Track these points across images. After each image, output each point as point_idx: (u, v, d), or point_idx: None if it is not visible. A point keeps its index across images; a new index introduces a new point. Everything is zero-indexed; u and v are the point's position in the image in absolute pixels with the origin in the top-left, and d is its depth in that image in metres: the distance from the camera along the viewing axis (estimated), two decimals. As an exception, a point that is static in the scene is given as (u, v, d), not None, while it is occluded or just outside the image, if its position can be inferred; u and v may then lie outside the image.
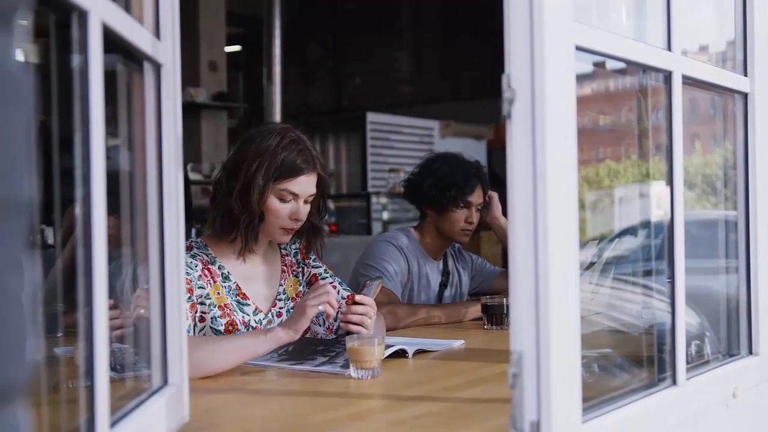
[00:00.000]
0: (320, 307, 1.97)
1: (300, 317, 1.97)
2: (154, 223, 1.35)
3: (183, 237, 1.41)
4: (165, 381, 1.36)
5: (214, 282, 2.18)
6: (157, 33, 1.34)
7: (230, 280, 2.21)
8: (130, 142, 1.37)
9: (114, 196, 1.20)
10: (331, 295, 1.99)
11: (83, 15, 0.99)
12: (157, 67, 1.34)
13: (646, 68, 1.54)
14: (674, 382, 1.50)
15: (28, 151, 0.59)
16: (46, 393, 1.17)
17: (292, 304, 2.32)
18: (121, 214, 1.33)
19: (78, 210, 1.01)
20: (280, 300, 2.32)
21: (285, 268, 2.37)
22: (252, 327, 2.21)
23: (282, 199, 2.18)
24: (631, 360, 1.70)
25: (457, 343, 2.33)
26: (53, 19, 1.01)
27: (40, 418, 1.09)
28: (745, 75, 1.79)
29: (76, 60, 1.01)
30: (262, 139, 2.18)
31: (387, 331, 2.62)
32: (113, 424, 1.09)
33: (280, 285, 2.33)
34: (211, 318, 2.14)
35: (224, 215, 2.19)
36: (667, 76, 1.51)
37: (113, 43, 1.11)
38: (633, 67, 1.57)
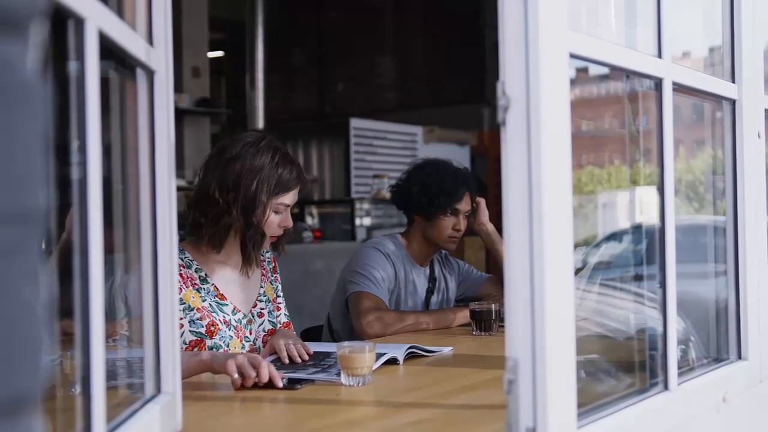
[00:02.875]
0: (236, 375, 1.81)
1: (223, 363, 1.83)
2: (147, 230, 1.35)
3: (176, 245, 1.40)
4: (158, 389, 1.35)
5: (188, 287, 2.22)
6: (150, 40, 1.34)
7: (208, 282, 2.26)
8: (123, 148, 1.37)
9: (105, 203, 1.19)
10: (257, 373, 1.82)
11: (80, 22, 0.99)
12: (150, 74, 1.33)
13: (637, 75, 1.55)
14: (666, 387, 1.51)
15: (43, 161, 0.58)
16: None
17: (272, 306, 2.41)
18: (113, 221, 1.32)
19: (74, 217, 1.01)
20: (261, 301, 2.39)
21: (264, 271, 2.44)
22: (233, 326, 2.26)
23: (277, 212, 2.27)
24: (622, 365, 1.71)
25: (447, 350, 2.33)
26: (48, 25, 1.00)
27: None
28: (733, 82, 1.80)
29: (72, 66, 1.01)
30: (254, 157, 2.23)
31: (375, 338, 2.62)
32: (109, 433, 1.08)
33: (261, 287, 2.40)
34: (190, 321, 2.18)
35: (223, 230, 2.23)
36: (658, 83, 1.52)
37: (107, 49, 1.10)
38: (623, 73, 1.58)
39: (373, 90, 9.75)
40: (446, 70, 9.30)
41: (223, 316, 2.24)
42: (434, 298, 3.12)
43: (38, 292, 0.57)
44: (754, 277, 1.82)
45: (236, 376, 1.80)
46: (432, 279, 3.13)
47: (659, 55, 1.51)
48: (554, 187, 1.17)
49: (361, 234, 7.25)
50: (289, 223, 2.31)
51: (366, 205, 7.49)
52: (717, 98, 1.81)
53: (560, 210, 1.19)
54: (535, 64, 1.16)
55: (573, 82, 1.46)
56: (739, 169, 1.81)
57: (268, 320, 2.38)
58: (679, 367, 1.55)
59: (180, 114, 7.35)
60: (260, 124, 8.35)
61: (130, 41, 1.20)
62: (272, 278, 2.47)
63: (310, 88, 10.33)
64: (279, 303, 2.49)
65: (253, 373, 1.80)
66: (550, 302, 1.16)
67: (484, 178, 7.34)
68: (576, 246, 2.23)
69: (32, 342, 0.56)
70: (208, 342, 2.18)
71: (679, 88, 1.58)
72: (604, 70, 1.55)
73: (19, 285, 0.55)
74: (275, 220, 2.27)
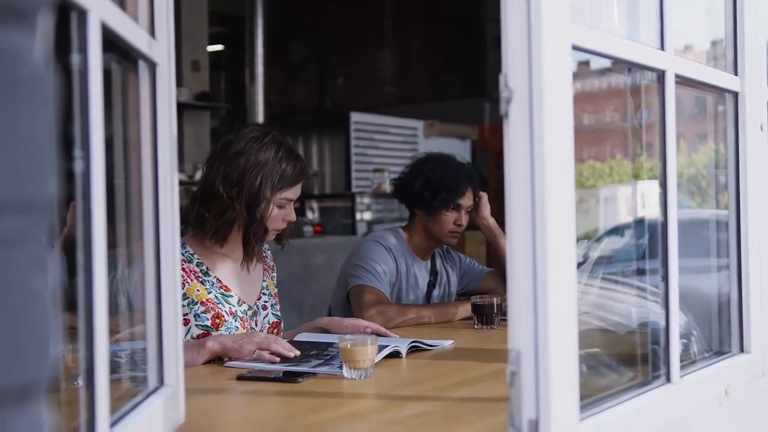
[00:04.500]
0: (256, 353, 2.03)
1: (237, 344, 2.05)
2: (149, 223, 1.34)
3: (178, 238, 1.40)
4: (161, 382, 1.35)
5: (192, 280, 2.23)
6: (152, 32, 1.33)
7: (210, 275, 2.28)
8: (125, 142, 1.36)
9: (107, 196, 1.19)
10: (275, 346, 2.05)
11: (83, 14, 0.98)
12: (152, 67, 1.33)
13: (640, 67, 1.54)
14: (668, 379, 1.51)
15: (52, 150, 0.59)
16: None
17: (274, 300, 2.44)
18: (115, 215, 1.32)
19: (77, 211, 1.01)
20: (264, 294, 2.41)
21: (265, 266, 2.47)
22: (239, 317, 2.28)
23: (280, 206, 2.29)
24: (624, 359, 1.71)
25: (448, 343, 2.33)
26: (55, 16, 1.00)
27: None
28: (736, 74, 1.80)
29: (75, 59, 1.00)
30: (258, 152, 2.24)
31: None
32: (112, 424, 1.08)
33: (263, 281, 2.43)
34: (195, 315, 2.20)
35: (227, 224, 2.25)
36: (660, 76, 1.51)
37: (109, 41, 1.10)
38: (627, 66, 1.58)
39: (373, 84, 9.74)
40: (447, 64, 9.30)
41: (229, 308, 2.26)
42: (436, 292, 3.12)
43: (46, 280, 0.57)
44: (756, 270, 1.82)
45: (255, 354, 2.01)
46: (434, 273, 3.13)
47: (662, 47, 1.51)
48: (557, 180, 1.17)
49: (361, 228, 7.25)
50: (292, 217, 2.34)
51: (366, 200, 7.50)
52: (720, 91, 1.81)
53: (563, 202, 1.19)
54: (537, 57, 1.15)
55: (574, 76, 1.46)
56: (742, 163, 1.81)
57: (272, 313, 2.41)
58: (681, 361, 1.56)
59: (179, 108, 7.32)
60: (260, 118, 8.35)
61: (133, 33, 1.20)
62: (272, 275, 2.50)
63: (310, 82, 10.32)
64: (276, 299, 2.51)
65: (279, 348, 2.01)
66: (552, 294, 1.16)
67: (485, 173, 7.34)
68: (577, 240, 2.23)
69: (40, 331, 0.56)
70: (214, 334, 2.19)
71: (681, 81, 1.58)
72: (606, 63, 1.55)
73: (27, 273, 0.55)
74: (279, 215, 2.29)
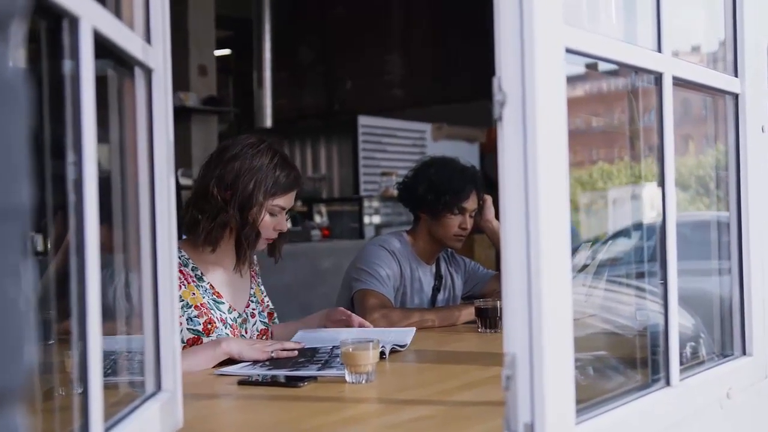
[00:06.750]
0: (275, 353, 2.13)
1: (253, 348, 2.11)
2: (146, 229, 1.35)
3: (175, 243, 1.40)
4: (158, 387, 1.36)
5: (188, 284, 2.26)
6: (147, 38, 1.34)
7: (204, 281, 2.30)
8: (121, 148, 1.37)
9: (105, 203, 1.19)
10: (287, 345, 2.19)
11: (74, 21, 0.99)
12: (148, 73, 1.34)
13: (636, 70, 1.54)
14: (668, 382, 1.50)
15: (26, 158, 0.59)
16: (39, 400, 1.17)
17: (261, 308, 2.46)
18: (112, 221, 1.33)
19: (70, 217, 1.01)
20: (252, 302, 2.44)
21: (253, 274, 2.49)
22: (229, 324, 2.31)
23: (272, 213, 2.31)
24: (625, 361, 1.70)
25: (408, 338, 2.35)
26: (43, 24, 1.01)
27: (33, 424, 1.08)
28: (736, 76, 1.79)
29: (67, 66, 1.01)
30: (253, 157, 2.28)
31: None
32: (107, 429, 1.09)
33: (251, 288, 2.45)
34: (188, 319, 2.22)
35: (219, 227, 2.27)
36: (658, 78, 1.51)
37: (104, 48, 1.11)
38: (623, 68, 1.58)
39: (381, 87, 9.73)
40: (454, 66, 9.28)
41: (220, 314, 2.29)
42: (441, 296, 3.11)
43: (20, 287, 0.57)
44: (758, 271, 1.81)
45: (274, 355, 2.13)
46: (438, 277, 3.12)
47: (659, 50, 1.50)
48: (550, 183, 1.17)
49: (369, 232, 7.25)
50: (284, 226, 2.36)
51: (374, 203, 7.50)
52: (720, 92, 1.81)
53: (557, 205, 1.19)
54: (530, 60, 1.16)
55: (583, 78, 1.46)
56: (743, 164, 1.80)
57: (260, 321, 2.43)
58: (687, 364, 1.55)
59: (187, 113, 7.36)
60: (268, 122, 8.37)
61: (127, 40, 1.21)
62: (258, 281, 2.53)
63: (318, 85, 10.32)
64: (268, 303, 2.53)
65: (289, 346, 2.17)
66: (547, 297, 1.15)
67: (493, 176, 7.33)
68: (585, 242, 2.22)
69: (15, 337, 0.57)
70: (205, 339, 2.21)
71: (680, 83, 1.57)
72: (614, 66, 1.54)
73: (1, 280, 0.55)
74: (270, 222, 2.31)
